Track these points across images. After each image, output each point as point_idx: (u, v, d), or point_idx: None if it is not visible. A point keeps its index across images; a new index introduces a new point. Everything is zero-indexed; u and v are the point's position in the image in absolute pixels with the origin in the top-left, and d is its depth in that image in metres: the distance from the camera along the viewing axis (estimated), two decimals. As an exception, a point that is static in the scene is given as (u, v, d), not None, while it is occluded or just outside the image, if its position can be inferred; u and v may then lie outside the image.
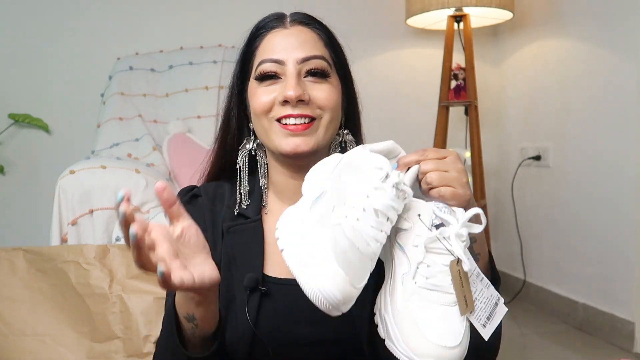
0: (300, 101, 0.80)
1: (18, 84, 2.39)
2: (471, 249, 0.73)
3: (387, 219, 0.63)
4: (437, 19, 2.41)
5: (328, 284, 0.59)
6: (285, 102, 0.80)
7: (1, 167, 2.36)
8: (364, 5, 2.63)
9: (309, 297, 0.61)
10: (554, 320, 2.25)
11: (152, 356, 1.10)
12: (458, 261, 0.62)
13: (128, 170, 1.61)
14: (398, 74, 2.69)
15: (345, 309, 0.61)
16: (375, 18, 2.64)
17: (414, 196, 0.67)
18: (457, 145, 2.58)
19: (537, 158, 2.42)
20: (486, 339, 0.64)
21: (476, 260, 0.74)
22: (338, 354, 0.83)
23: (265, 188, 0.90)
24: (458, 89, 2.39)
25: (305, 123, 0.80)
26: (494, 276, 0.79)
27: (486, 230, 0.71)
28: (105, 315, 1.14)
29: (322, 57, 0.83)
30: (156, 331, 1.11)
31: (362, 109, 0.93)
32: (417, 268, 0.63)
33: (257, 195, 0.89)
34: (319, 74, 0.82)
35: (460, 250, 0.62)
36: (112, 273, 1.17)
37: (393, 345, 0.64)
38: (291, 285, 0.83)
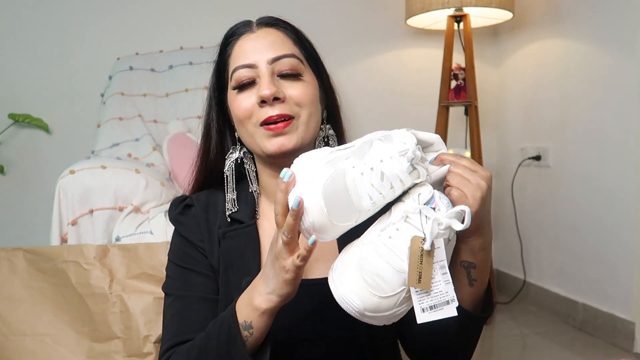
0: (276, 99, 0.81)
1: (18, 84, 2.39)
2: (469, 274, 0.76)
3: (391, 186, 0.67)
4: (437, 19, 2.41)
5: (305, 208, 0.65)
6: (262, 102, 0.81)
7: (1, 167, 2.36)
8: (364, 5, 2.63)
9: None
10: (554, 320, 2.25)
11: (152, 356, 1.10)
12: (424, 240, 0.66)
13: (128, 170, 1.61)
14: (398, 74, 2.69)
15: (319, 237, 0.66)
16: (375, 18, 2.64)
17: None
18: (457, 145, 2.58)
19: (537, 158, 2.42)
20: (417, 323, 0.66)
21: (471, 284, 0.76)
22: (337, 353, 0.83)
23: (257, 193, 0.90)
24: (458, 89, 2.39)
25: (285, 120, 0.81)
26: (488, 305, 0.80)
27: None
28: (105, 315, 1.14)
29: (292, 55, 0.84)
30: (156, 331, 1.11)
31: (340, 102, 0.94)
32: (388, 226, 0.68)
33: (249, 200, 0.89)
34: (291, 76, 0.84)
35: (429, 231, 0.66)
36: (112, 273, 1.17)
37: (331, 271, 0.69)
38: None
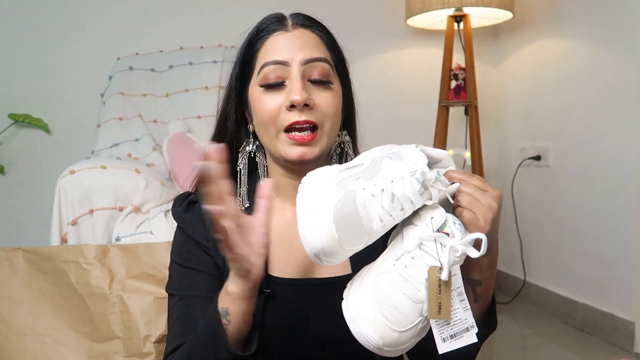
0: (305, 105, 0.80)
1: (18, 84, 2.39)
2: (474, 290, 0.75)
3: (402, 208, 0.66)
4: (437, 19, 2.41)
5: (315, 233, 0.64)
6: (291, 106, 0.80)
7: (1, 167, 2.36)
8: (364, 5, 2.63)
9: (301, 239, 0.65)
10: (554, 320, 2.25)
11: (152, 356, 1.10)
12: (440, 269, 0.64)
13: (128, 170, 1.61)
14: (398, 74, 2.69)
15: (327, 261, 0.66)
16: (375, 18, 2.64)
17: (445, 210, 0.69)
18: (457, 145, 2.58)
19: (537, 158, 2.42)
20: (439, 353, 0.65)
21: (476, 300, 0.75)
22: (346, 353, 0.83)
23: None
24: (458, 89, 2.39)
25: (310, 133, 0.81)
26: (491, 321, 0.80)
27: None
28: (105, 315, 1.14)
29: (325, 60, 0.83)
30: (156, 331, 1.11)
31: (357, 109, 0.94)
32: (403, 254, 0.66)
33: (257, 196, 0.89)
34: (321, 82, 0.83)
35: (446, 260, 0.64)
36: (112, 273, 1.17)
37: (346, 304, 0.68)
38: (297, 285, 0.83)
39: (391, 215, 0.65)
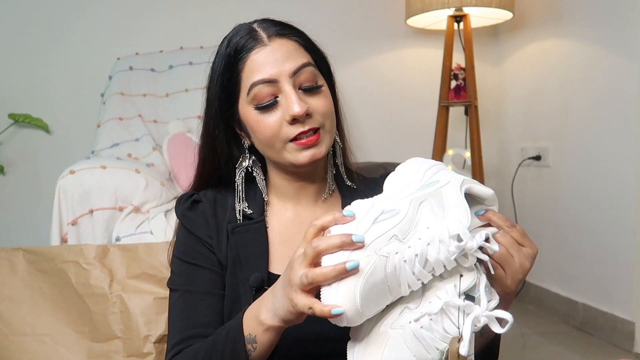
0: (306, 115, 0.82)
1: (18, 84, 2.39)
2: (482, 327, 0.74)
3: (432, 271, 0.63)
4: (437, 19, 2.41)
5: (338, 303, 0.61)
6: (293, 120, 0.81)
7: (1, 167, 2.36)
8: (364, 5, 2.63)
9: (322, 301, 0.63)
10: (554, 320, 2.25)
11: (152, 356, 1.10)
12: (460, 340, 0.62)
13: (128, 170, 1.61)
14: (398, 74, 2.69)
15: (344, 325, 0.64)
16: (375, 18, 2.64)
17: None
18: (457, 145, 2.58)
19: (537, 158, 2.42)
20: None
21: (482, 335, 0.75)
22: (345, 351, 0.83)
23: (266, 200, 0.91)
24: (458, 89, 2.39)
25: (314, 134, 0.83)
26: (493, 353, 0.81)
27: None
28: (105, 315, 1.14)
29: (308, 64, 0.84)
30: (156, 331, 1.11)
31: (340, 101, 0.94)
32: (423, 315, 0.63)
33: (258, 197, 0.91)
34: (313, 87, 0.84)
35: (468, 334, 0.61)
36: (112, 273, 1.17)
37: (352, 347, 0.66)
38: None
39: (419, 279, 0.63)
